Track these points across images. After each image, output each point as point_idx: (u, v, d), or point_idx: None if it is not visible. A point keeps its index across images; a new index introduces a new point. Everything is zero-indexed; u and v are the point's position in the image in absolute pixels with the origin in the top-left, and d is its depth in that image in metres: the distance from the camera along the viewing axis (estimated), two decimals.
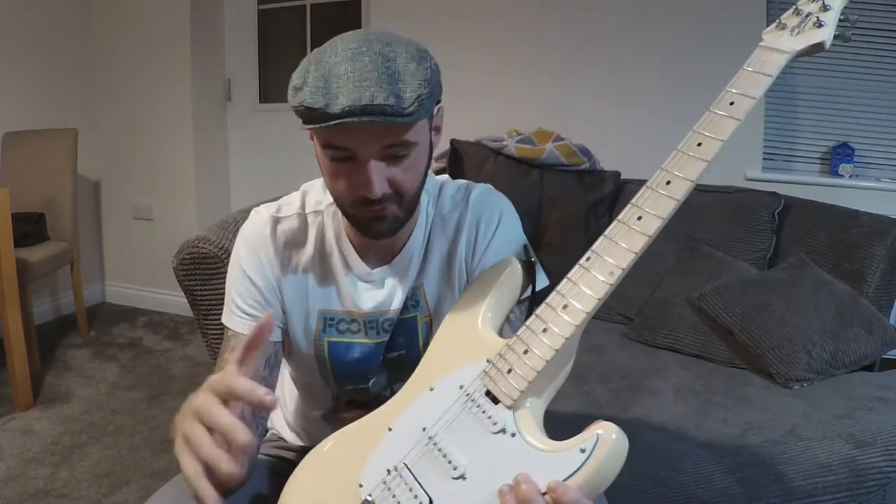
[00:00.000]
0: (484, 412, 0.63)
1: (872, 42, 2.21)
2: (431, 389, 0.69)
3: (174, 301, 3.11)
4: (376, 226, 0.77)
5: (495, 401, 0.63)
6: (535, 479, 0.56)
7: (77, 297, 2.78)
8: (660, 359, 1.69)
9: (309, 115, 0.69)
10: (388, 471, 0.66)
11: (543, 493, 0.55)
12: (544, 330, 0.62)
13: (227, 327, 0.86)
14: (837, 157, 2.26)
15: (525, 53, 2.57)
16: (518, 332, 0.65)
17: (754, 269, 1.83)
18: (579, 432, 0.61)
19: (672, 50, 2.35)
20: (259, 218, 0.87)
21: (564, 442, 0.58)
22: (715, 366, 1.65)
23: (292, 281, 0.87)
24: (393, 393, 0.92)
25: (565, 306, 0.62)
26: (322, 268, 0.87)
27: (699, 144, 0.62)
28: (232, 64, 3.18)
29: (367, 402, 0.93)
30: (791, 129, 2.35)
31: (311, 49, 0.74)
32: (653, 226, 0.61)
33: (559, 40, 2.51)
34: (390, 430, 0.69)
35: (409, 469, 0.65)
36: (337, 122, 0.67)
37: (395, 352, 0.90)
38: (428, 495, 0.62)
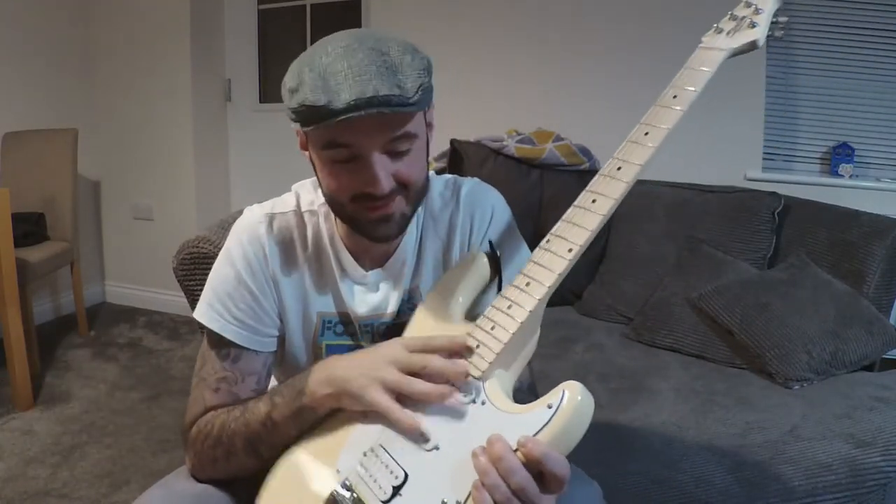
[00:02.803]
0: (454, 385, 0.66)
1: (872, 42, 2.21)
2: None
3: (174, 301, 3.11)
4: (382, 228, 0.76)
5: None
6: (506, 439, 0.58)
7: (77, 297, 2.78)
8: (660, 359, 1.69)
9: (311, 114, 0.67)
10: (364, 453, 0.67)
11: (515, 451, 0.57)
12: (509, 307, 0.66)
13: (220, 334, 0.81)
14: (837, 157, 2.26)
15: (525, 53, 2.56)
16: (485, 313, 0.68)
17: (754, 269, 1.83)
18: None
19: (672, 51, 2.34)
20: (253, 215, 0.85)
21: (532, 403, 0.61)
22: (715, 366, 1.65)
23: (289, 280, 0.84)
24: None
25: (528, 283, 0.66)
26: (318, 268, 0.86)
27: (646, 133, 0.68)
28: (232, 64, 3.17)
29: None
30: (791, 129, 2.35)
31: None
32: (606, 206, 0.66)
33: (559, 40, 2.51)
34: (365, 415, 0.70)
35: (384, 448, 0.66)
36: (344, 116, 0.65)
37: None
38: (403, 469, 0.64)
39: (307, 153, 0.78)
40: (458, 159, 2.26)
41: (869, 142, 2.27)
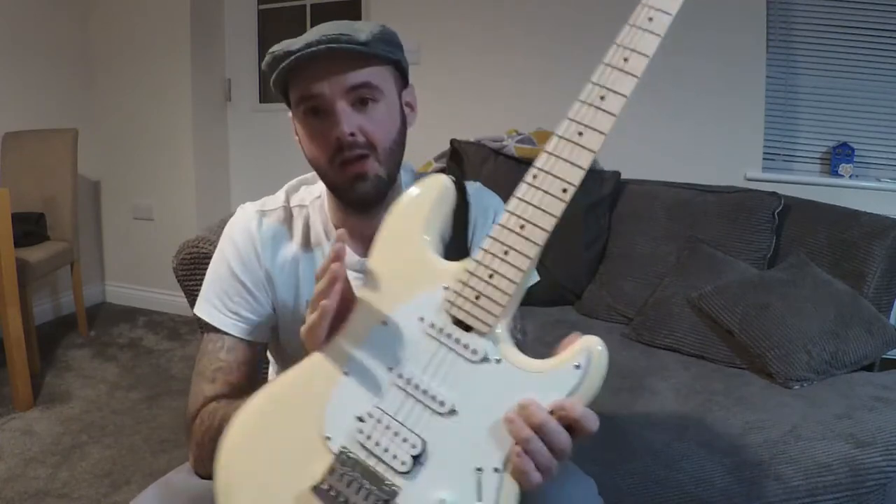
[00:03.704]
0: (458, 341, 0.61)
1: (872, 42, 2.21)
2: (384, 324, 0.64)
3: (174, 301, 3.10)
4: (359, 186, 0.79)
5: (467, 329, 0.61)
6: (540, 402, 0.58)
7: (77, 297, 2.78)
8: (660, 359, 1.69)
9: (274, 63, 0.76)
10: (360, 418, 0.61)
11: (550, 412, 0.58)
12: (506, 252, 0.60)
13: (216, 326, 0.85)
14: (837, 157, 2.26)
15: (525, 53, 2.56)
16: (475, 257, 0.62)
17: (754, 269, 1.83)
18: None
19: (672, 51, 2.35)
20: (245, 213, 0.89)
21: (552, 360, 0.60)
22: (715, 366, 1.65)
23: (281, 274, 0.88)
24: None
25: (523, 226, 0.60)
26: (310, 259, 0.88)
27: (626, 59, 0.61)
28: (232, 64, 3.17)
29: None
30: (791, 129, 2.35)
31: None
32: (596, 141, 0.60)
33: (559, 40, 2.51)
34: (346, 373, 0.63)
35: (386, 413, 0.60)
36: (298, 54, 0.74)
37: None
38: (420, 437, 0.59)
39: (297, 138, 0.84)
40: (458, 159, 2.26)
41: (869, 142, 2.27)
